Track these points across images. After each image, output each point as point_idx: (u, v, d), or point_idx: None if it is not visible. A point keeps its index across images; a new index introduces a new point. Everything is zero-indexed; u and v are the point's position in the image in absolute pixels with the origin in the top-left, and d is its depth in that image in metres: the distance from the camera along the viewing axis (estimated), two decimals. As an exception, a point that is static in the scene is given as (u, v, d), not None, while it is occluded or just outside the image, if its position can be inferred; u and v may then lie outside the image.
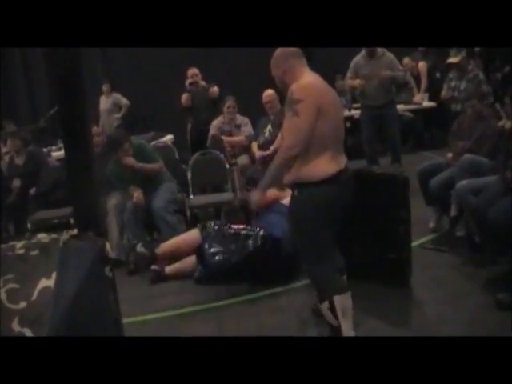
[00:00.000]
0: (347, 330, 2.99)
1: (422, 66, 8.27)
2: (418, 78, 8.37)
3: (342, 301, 2.97)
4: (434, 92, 8.18)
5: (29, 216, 5.66)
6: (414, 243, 4.07)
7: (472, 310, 3.42)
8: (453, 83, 6.08)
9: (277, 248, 4.13)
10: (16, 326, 1.54)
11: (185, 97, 6.87)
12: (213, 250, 4.19)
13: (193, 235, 4.41)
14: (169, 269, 4.40)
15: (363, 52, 6.25)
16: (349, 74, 6.45)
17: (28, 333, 1.53)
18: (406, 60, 8.10)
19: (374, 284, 3.77)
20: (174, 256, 4.43)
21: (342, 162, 3.00)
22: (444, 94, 6.18)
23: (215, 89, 6.81)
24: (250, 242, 4.15)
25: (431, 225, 4.78)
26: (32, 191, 5.95)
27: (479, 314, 3.36)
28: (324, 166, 2.89)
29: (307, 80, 2.97)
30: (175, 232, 4.83)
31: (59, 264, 1.83)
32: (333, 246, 3.04)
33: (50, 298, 1.65)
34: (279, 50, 3.12)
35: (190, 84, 6.84)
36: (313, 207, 2.90)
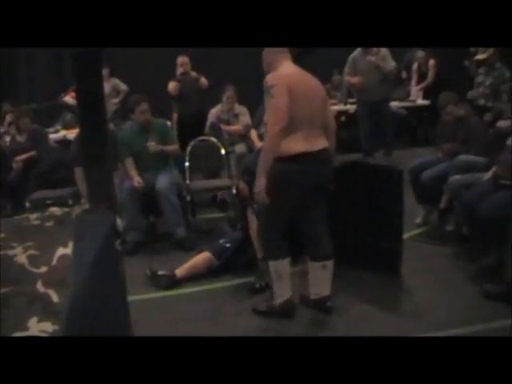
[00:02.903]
0: (278, 292, 3.44)
1: (432, 64, 8.20)
2: (425, 75, 8.32)
3: (276, 266, 3.39)
4: (434, 90, 8.25)
5: (27, 195, 5.71)
6: (405, 236, 4.19)
7: (459, 298, 3.56)
8: (480, 78, 6.17)
9: None
10: (40, 287, 1.64)
11: (173, 85, 6.64)
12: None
13: (205, 255, 4.25)
14: (179, 271, 4.18)
15: (359, 48, 6.36)
16: (347, 70, 6.53)
17: (53, 294, 1.62)
18: (420, 54, 8.16)
19: (366, 271, 3.91)
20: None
21: (315, 144, 3.26)
22: (472, 92, 6.22)
23: (204, 80, 6.67)
24: None
25: (418, 220, 4.93)
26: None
27: (466, 302, 3.49)
28: (290, 145, 3.17)
29: (281, 70, 3.29)
30: (177, 215, 4.92)
31: (75, 235, 1.92)
32: (285, 220, 3.38)
33: (69, 263, 1.75)
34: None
35: (182, 74, 6.68)
36: (272, 181, 3.16)
